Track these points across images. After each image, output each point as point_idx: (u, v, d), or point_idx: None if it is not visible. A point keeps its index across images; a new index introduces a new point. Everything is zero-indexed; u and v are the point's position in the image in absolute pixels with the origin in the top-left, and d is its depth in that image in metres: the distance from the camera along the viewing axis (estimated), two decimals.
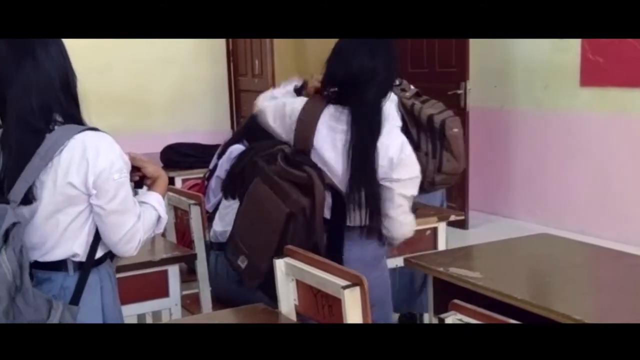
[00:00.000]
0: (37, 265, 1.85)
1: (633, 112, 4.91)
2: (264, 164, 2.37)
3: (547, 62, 5.42)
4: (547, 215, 5.48)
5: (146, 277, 2.62)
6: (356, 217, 2.32)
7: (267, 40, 5.80)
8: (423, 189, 2.41)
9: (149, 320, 2.95)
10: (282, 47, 6.69)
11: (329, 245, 2.32)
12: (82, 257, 1.89)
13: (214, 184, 3.29)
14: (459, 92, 5.51)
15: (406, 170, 2.30)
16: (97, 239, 1.91)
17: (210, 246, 3.13)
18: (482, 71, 5.70)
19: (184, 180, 4.52)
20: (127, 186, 1.90)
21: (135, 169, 2.01)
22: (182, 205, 3.11)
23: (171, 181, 4.48)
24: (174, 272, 2.68)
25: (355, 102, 2.31)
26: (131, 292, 2.49)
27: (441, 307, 2.02)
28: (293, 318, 2.14)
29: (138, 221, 1.92)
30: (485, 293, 2.22)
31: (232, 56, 6.68)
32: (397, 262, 2.98)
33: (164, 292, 2.66)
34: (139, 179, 2.04)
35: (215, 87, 6.75)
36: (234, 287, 3.11)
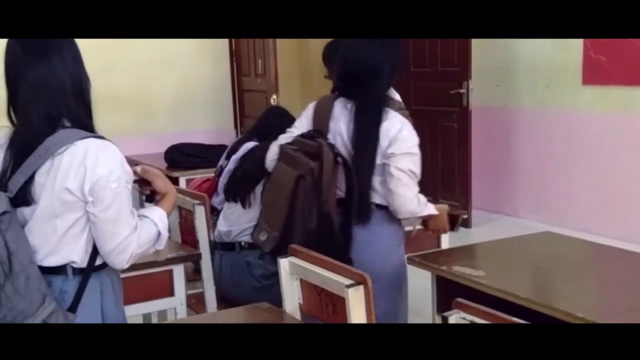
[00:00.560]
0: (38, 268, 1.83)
1: (635, 110, 4.91)
2: (285, 145, 2.56)
3: (549, 60, 5.42)
4: (550, 213, 5.48)
5: (151, 276, 2.63)
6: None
7: (270, 40, 5.79)
8: None
9: (154, 319, 2.97)
10: (285, 47, 6.70)
11: (342, 221, 2.47)
12: (80, 264, 1.87)
13: (224, 180, 3.31)
14: (462, 91, 5.52)
15: (400, 145, 2.44)
16: (96, 247, 1.88)
17: (214, 246, 3.15)
18: (485, 70, 5.70)
19: (187, 181, 4.53)
20: (125, 197, 1.85)
21: (146, 183, 1.99)
22: (187, 205, 3.12)
23: (175, 181, 4.49)
24: (179, 272, 2.69)
25: (360, 95, 2.50)
26: (137, 291, 2.51)
27: (444, 306, 2.04)
28: (297, 317, 2.15)
29: (133, 233, 1.86)
30: (488, 291, 2.23)
31: (234, 56, 6.67)
32: None
33: (169, 292, 2.68)
34: (150, 194, 2.01)
35: (218, 87, 6.75)
36: (238, 286, 3.12)
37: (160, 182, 2.00)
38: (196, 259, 2.91)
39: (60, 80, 1.83)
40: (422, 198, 2.53)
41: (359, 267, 2.09)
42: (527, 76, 5.63)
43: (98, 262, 1.89)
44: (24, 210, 1.83)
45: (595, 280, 2.48)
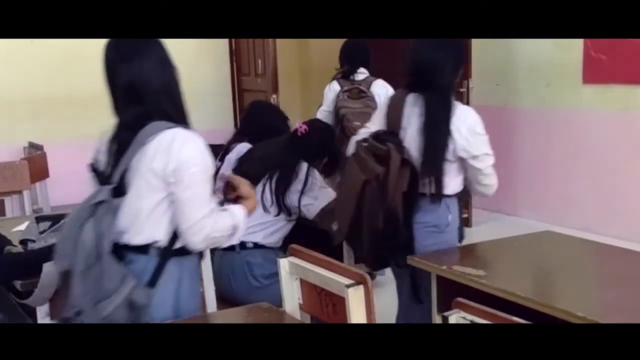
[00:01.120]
0: (125, 247, 2.01)
1: (636, 109, 4.91)
2: (359, 143, 2.72)
3: (549, 60, 5.42)
4: (550, 212, 5.48)
5: None
6: (425, 186, 2.66)
7: (270, 40, 5.78)
8: None
9: None
10: (285, 47, 6.69)
11: (404, 212, 2.61)
12: (163, 243, 2.02)
13: (220, 183, 3.30)
14: (462, 90, 5.51)
15: (477, 140, 2.80)
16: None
17: None
18: (485, 69, 5.70)
19: None
20: (203, 182, 2.02)
21: (232, 189, 2.21)
22: None
23: None
24: None
25: (429, 89, 2.67)
26: None
27: (445, 305, 2.04)
28: (297, 317, 2.15)
29: (208, 217, 2.01)
30: (488, 291, 2.23)
31: (234, 56, 6.67)
32: None
33: None
34: (235, 198, 2.20)
35: (218, 87, 6.75)
36: (239, 286, 3.13)
37: (247, 187, 2.23)
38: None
39: (150, 80, 1.99)
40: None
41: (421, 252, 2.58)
42: (527, 75, 5.63)
43: (179, 245, 2.04)
44: (122, 199, 1.99)
45: (596, 279, 2.48)
